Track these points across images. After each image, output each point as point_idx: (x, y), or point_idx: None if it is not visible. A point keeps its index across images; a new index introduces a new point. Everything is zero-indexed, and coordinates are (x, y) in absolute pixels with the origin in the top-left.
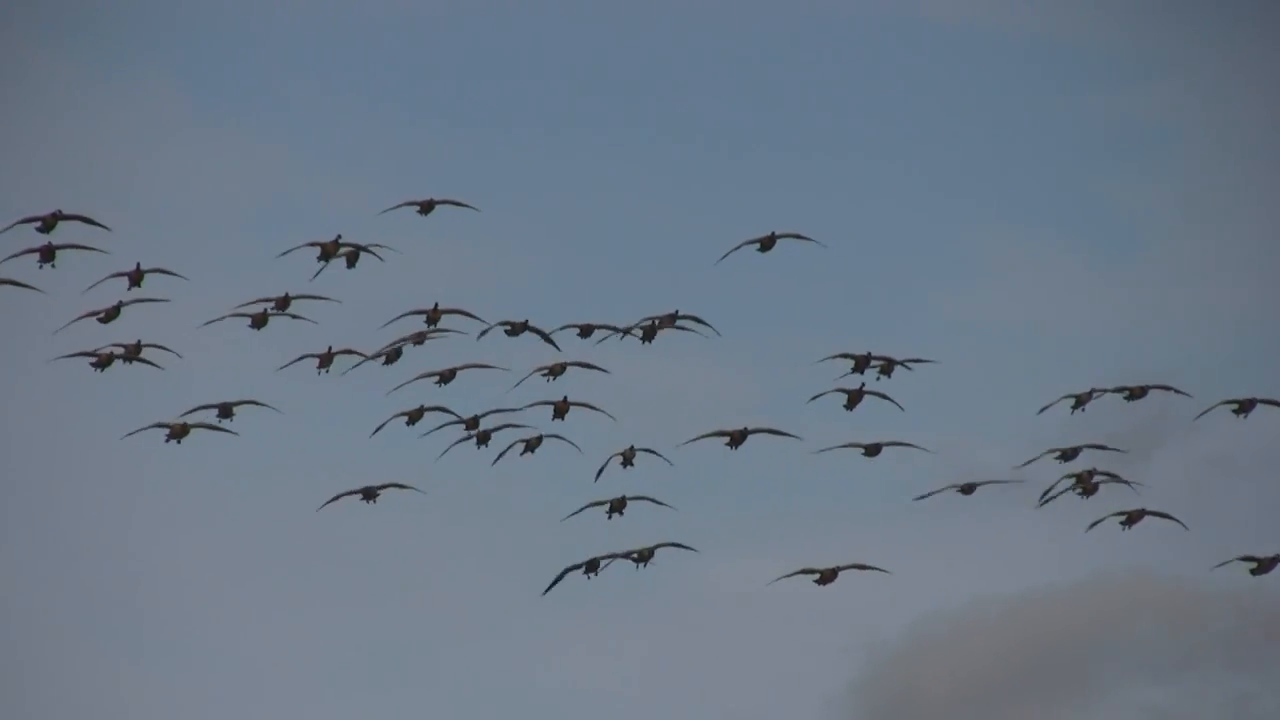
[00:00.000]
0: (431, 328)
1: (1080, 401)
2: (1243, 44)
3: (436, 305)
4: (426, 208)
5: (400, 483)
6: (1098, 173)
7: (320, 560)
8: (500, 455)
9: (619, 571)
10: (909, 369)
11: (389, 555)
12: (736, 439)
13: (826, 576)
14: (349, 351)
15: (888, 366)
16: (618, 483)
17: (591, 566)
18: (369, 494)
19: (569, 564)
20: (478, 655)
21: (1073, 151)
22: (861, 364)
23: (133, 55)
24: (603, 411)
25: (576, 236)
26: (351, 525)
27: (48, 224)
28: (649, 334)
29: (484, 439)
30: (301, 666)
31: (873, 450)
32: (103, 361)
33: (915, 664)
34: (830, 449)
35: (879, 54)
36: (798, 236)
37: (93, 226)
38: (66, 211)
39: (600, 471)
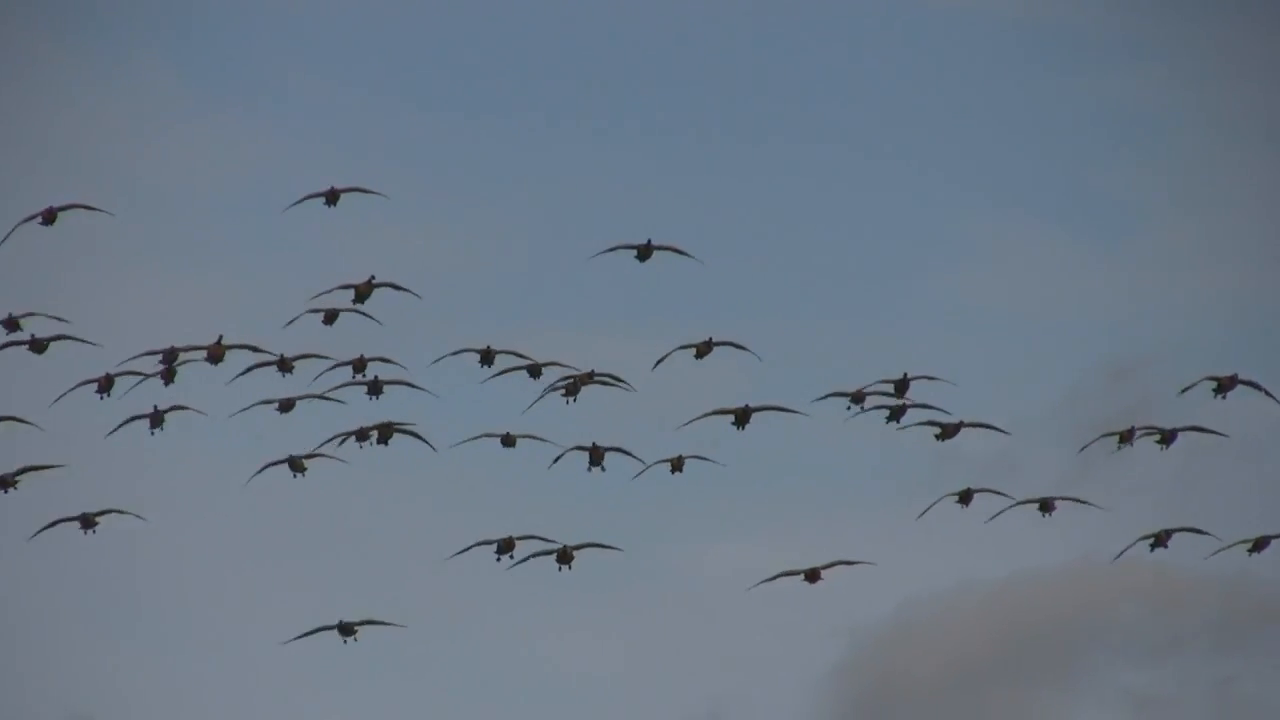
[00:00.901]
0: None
1: (1123, 439)
2: (1236, 28)
3: (372, 278)
4: (332, 198)
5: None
6: (1090, 157)
7: (292, 538)
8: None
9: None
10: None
11: (371, 531)
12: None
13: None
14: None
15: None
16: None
17: (506, 548)
18: (295, 465)
19: (486, 539)
20: (457, 638)
21: (1065, 135)
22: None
23: (131, 44)
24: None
25: (576, 225)
26: (340, 497)
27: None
28: (571, 390)
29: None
30: (287, 660)
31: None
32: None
33: (899, 648)
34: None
35: (871, 38)
36: (677, 251)
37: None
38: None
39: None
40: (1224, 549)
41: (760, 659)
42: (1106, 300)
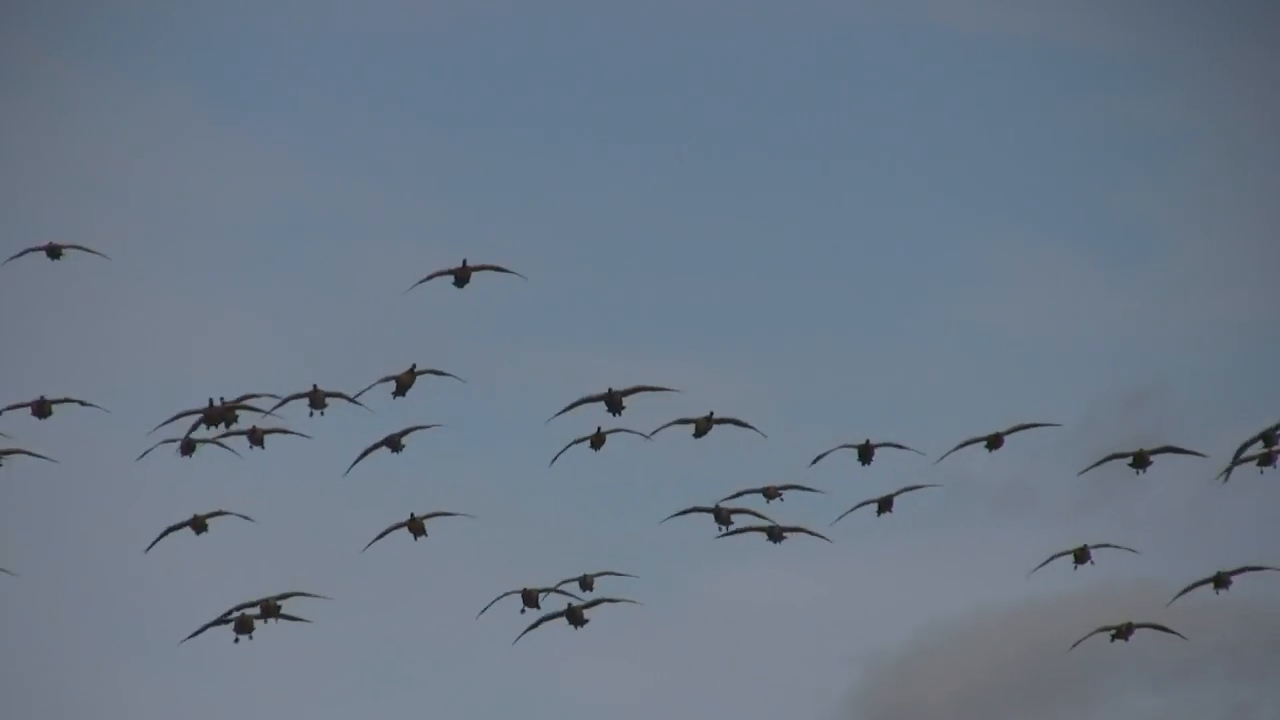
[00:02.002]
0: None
1: (1139, 462)
2: (1254, 52)
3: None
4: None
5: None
6: (1107, 180)
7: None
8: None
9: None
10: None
11: (393, 562)
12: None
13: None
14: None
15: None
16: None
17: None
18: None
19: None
20: (475, 666)
21: (1082, 158)
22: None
23: (141, 58)
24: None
25: (590, 242)
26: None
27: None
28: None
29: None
30: (310, 673)
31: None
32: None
33: (916, 674)
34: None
35: (887, 59)
36: (497, 269)
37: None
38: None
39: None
40: (1186, 590)
41: (776, 684)
42: (1123, 325)
